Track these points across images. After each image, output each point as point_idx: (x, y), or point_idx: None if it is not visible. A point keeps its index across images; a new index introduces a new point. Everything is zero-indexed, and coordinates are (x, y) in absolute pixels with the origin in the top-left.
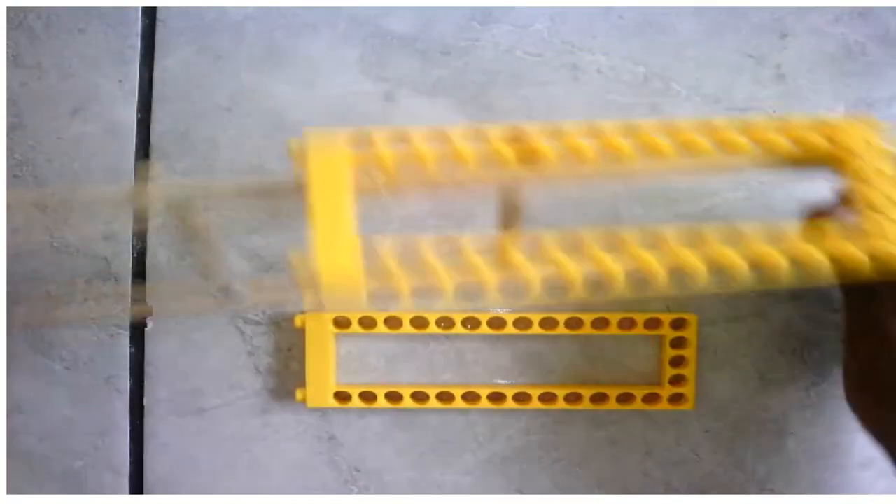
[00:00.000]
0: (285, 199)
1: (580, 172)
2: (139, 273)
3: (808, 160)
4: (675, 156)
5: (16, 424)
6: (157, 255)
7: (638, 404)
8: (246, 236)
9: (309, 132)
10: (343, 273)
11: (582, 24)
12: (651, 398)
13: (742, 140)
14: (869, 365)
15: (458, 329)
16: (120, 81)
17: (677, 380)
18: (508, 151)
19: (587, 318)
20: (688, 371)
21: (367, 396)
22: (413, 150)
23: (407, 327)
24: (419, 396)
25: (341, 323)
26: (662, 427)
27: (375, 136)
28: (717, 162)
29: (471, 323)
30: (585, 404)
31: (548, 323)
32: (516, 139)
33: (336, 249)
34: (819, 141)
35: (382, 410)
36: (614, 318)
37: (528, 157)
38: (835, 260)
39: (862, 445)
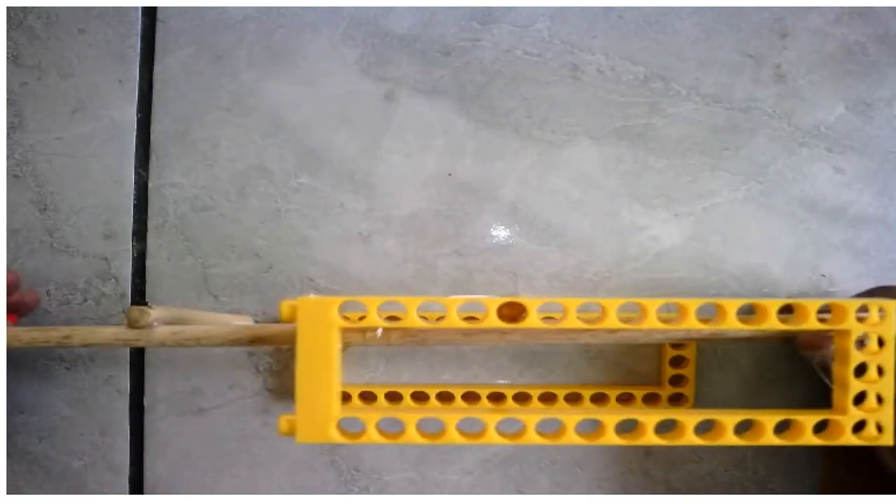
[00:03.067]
0: (276, 345)
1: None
2: (139, 273)
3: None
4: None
5: (16, 424)
6: (157, 255)
7: (638, 404)
8: (246, 236)
9: (302, 301)
10: (318, 434)
11: (582, 24)
12: (651, 398)
13: (737, 322)
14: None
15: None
16: (120, 81)
17: (677, 380)
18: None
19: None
20: (688, 371)
21: (367, 396)
22: (405, 321)
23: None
24: (419, 396)
25: None
26: None
27: (368, 304)
28: (713, 334)
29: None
30: (585, 404)
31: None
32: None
33: (315, 412)
34: (812, 323)
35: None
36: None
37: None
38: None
39: None
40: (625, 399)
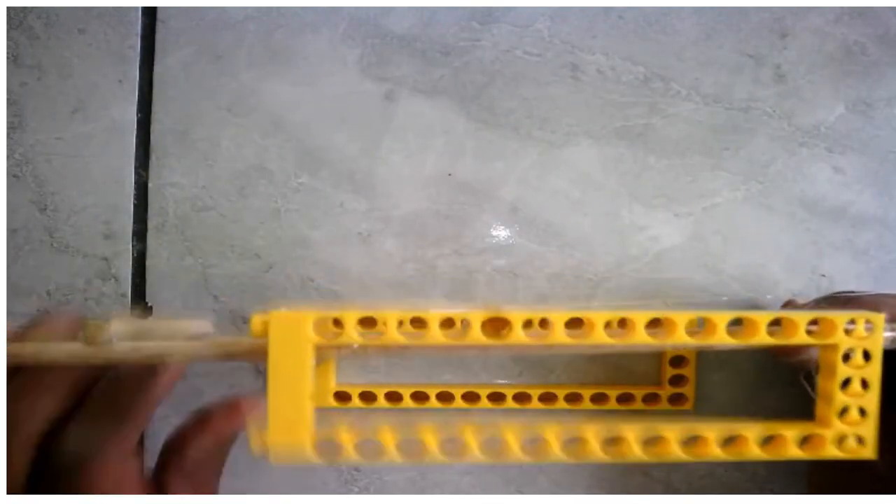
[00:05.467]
0: (247, 361)
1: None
2: (139, 273)
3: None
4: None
5: None
6: (157, 255)
7: (638, 404)
8: (246, 236)
9: (274, 315)
10: (290, 449)
11: (582, 24)
12: (651, 398)
13: (726, 336)
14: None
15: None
16: (120, 81)
17: (677, 380)
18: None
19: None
20: (688, 371)
21: (367, 396)
22: (383, 338)
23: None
24: (419, 396)
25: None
26: None
27: (345, 319)
28: (700, 345)
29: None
30: (585, 404)
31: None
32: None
33: (288, 426)
34: (801, 337)
35: (382, 410)
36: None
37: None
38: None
39: None
40: (625, 399)
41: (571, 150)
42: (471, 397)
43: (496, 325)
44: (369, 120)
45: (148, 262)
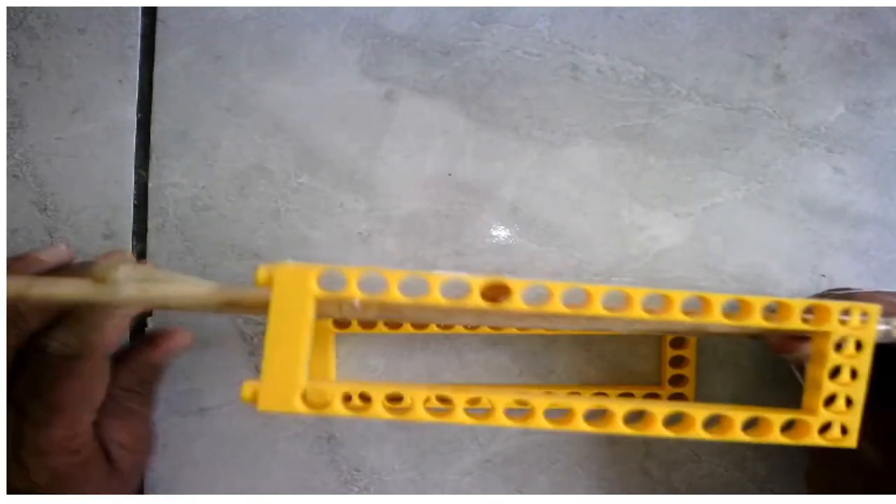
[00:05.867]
0: (250, 311)
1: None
2: None
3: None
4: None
5: None
6: (158, 255)
7: None
8: (246, 236)
9: (279, 267)
10: (280, 397)
11: (582, 24)
12: (651, 398)
13: (722, 317)
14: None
15: (458, 329)
16: (120, 81)
17: (677, 380)
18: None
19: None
20: (688, 371)
21: (367, 397)
22: (384, 296)
23: (407, 327)
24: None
25: (341, 323)
26: None
27: (348, 274)
28: (693, 328)
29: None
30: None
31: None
32: (491, 286)
33: (281, 381)
34: (795, 323)
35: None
36: None
37: (496, 297)
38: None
39: None
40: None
41: (571, 150)
42: (470, 399)
43: (496, 293)
44: (369, 120)
45: (148, 262)
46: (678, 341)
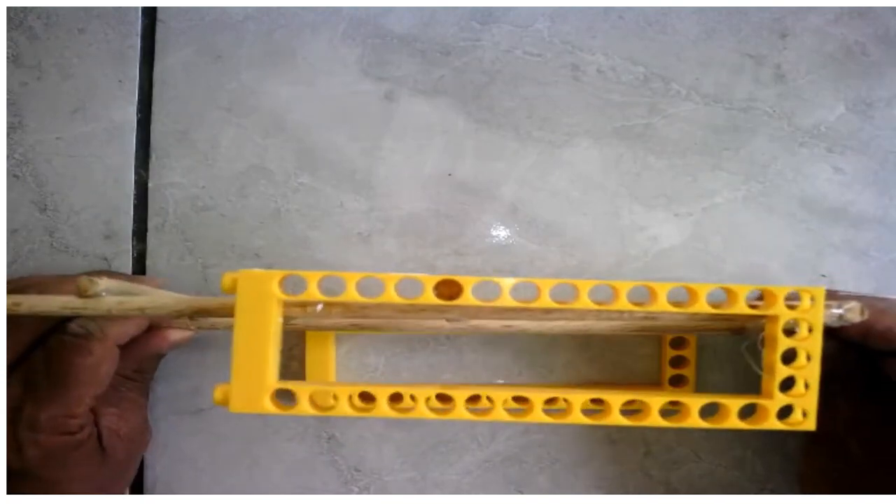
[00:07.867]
0: (219, 316)
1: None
2: (139, 273)
3: (733, 321)
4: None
5: None
6: (157, 255)
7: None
8: (246, 236)
9: (243, 273)
10: (251, 404)
11: (582, 24)
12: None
13: (673, 311)
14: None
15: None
16: (120, 81)
17: (677, 380)
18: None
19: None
20: (688, 371)
21: (367, 397)
22: (343, 296)
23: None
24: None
25: None
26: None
27: (308, 278)
28: (639, 326)
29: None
30: (585, 404)
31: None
32: (445, 285)
33: (250, 383)
34: (744, 308)
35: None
36: None
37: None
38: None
39: None
40: None
41: (571, 150)
42: (471, 398)
43: (450, 290)
44: (369, 120)
45: (148, 262)
46: (678, 341)
